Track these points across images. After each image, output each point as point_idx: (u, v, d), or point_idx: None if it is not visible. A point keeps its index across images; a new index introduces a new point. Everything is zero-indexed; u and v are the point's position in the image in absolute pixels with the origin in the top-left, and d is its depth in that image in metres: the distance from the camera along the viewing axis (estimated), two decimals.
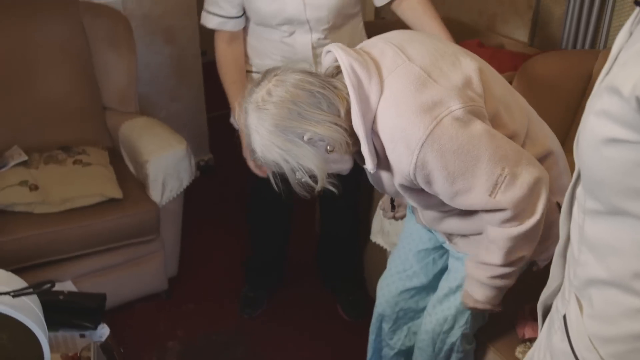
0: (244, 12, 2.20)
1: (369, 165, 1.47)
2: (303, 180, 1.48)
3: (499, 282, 1.58)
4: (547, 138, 1.62)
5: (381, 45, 1.50)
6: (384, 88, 1.42)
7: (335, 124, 1.41)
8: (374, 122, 1.43)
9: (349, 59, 1.42)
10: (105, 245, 2.50)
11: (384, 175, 1.54)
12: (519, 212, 1.44)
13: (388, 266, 1.97)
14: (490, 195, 1.42)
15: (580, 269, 1.07)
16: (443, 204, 1.56)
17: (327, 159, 1.46)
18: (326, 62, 1.52)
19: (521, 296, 1.84)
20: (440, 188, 1.45)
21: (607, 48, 2.57)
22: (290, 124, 1.39)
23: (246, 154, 2.28)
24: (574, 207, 1.11)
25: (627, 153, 0.88)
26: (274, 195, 2.26)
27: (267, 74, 1.46)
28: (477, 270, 1.59)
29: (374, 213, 2.65)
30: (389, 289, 1.95)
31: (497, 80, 1.56)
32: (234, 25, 2.21)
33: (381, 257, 2.45)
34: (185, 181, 2.63)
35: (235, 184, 2.62)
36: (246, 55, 2.29)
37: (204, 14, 2.24)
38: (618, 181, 0.92)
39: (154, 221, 2.56)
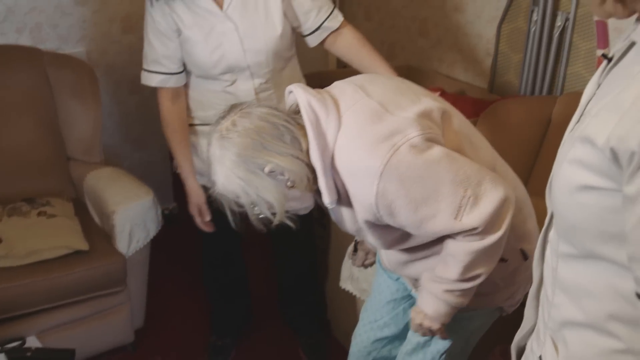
0: (185, 67, 2.23)
1: (326, 199, 1.46)
2: (261, 216, 1.48)
3: (453, 299, 1.53)
4: (511, 182, 1.62)
5: (342, 85, 1.53)
6: (342, 123, 1.43)
7: (297, 157, 1.42)
8: (333, 157, 1.44)
9: (307, 96, 1.44)
10: (72, 298, 2.45)
11: (346, 212, 1.54)
12: (485, 228, 1.42)
13: (361, 316, 1.97)
14: (455, 218, 1.41)
15: (554, 311, 1.09)
16: (404, 240, 1.55)
17: (288, 195, 1.46)
18: (289, 102, 1.55)
19: (492, 338, 1.86)
20: (404, 218, 1.44)
21: (564, 94, 2.65)
22: (253, 154, 1.40)
23: (193, 211, 2.35)
24: (547, 250, 1.13)
25: (602, 200, 0.91)
26: (224, 238, 2.33)
27: (233, 107, 1.48)
28: (432, 283, 1.54)
29: (332, 253, 2.66)
30: (361, 339, 1.94)
31: (462, 121, 1.58)
32: (177, 81, 2.24)
33: (350, 301, 2.45)
34: (152, 231, 2.61)
35: (200, 232, 2.64)
36: (188, 109, 2.31)
37: (144, 74, 2.25)
38: (592, 226, 0.95)
39: (121, 272, 2.52)
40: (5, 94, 2.76)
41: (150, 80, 2.24)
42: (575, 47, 2.62)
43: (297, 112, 1.49)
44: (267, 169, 1.41)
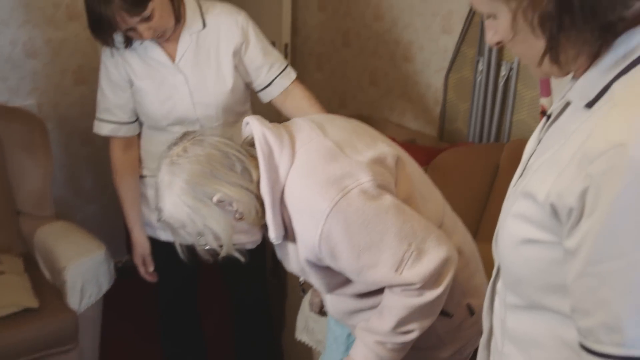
0: (137, 118, 2.24)
1: (272, 234, 1.45)
2: (207, 247, 1.46)
3: (384, 352, 1.50)
4: (460, 236, 1.62)
5: (300, 121, 1.53)
6: (295, 159, 1.43)
7: (247, 189, 1.41)
8: (283, 192, 1.43)
9: (262, 128, 1.44)
10: (21, 358, 2.37)
11: (291, 249, 1.52)
12: (424, 285, 1.42)
13: None
14: (396, 271, 1.40)
15: None
16: (346, 284, 1.55)
17: (235, 227, 1.45)
18: (245, 133, 1.54)
19: None
20: (346, 263, 1.42)
21: (511, 140, 2.72)
22: (202, 182, 1.39)
23: (137, 261, 2.38)
24: (495, 301, 1.16)
25: (544, 252, 0.94)
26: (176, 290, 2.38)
27: (186, 134, 1.47)
28: (365, 333, 1.53)
29: (287, 304, 2.65)
30: None
31: (415, 169, 1.59)
32: (128, 131, 2.25)
33: (307, 353, 2.44)
34: (105, 286, 2.57)
35: (154, 285, 2.60)
36: (140, 160, 2.32)
37: (96, 122, 2.26)
38: (537, 278, 0.98)
39: (72, 330, 2.47)
40: None
41: (101, 129, 2.25)
42: (519, 95, 2.70)
43: (251, 144, 1.48)
44: (215, 198, 1.40)
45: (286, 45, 3.47)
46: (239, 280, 2.53)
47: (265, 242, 2.44)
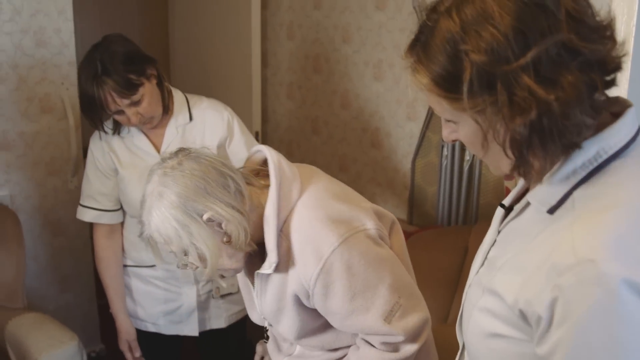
0: (122, 206, 2.28)
1: (272, 258, 1.42)
2: (189, 267, 1.44)
3: None
4: None
5: (308, 166, 1.59)
6: (304, 193, 1.45)
7: (239, 210, 1.39)
8: (286, 220, 1.43)
9: (278, 157, 1.47)
10: None
11: (274, 283, 1.49)
12: (406, 339, 1.44)
13: None
14: (385, 319, 1.41)
15: None
16: (318, 332, 1.54)
17: (221, 250, 1.42)
18: (251, 162, 1.56)
19: None
20: (338, 303, 1.42)
21: (479, 223, 2.80)
22: (194, 197, 1.36)
23: (123, 347, 2.36)
24: None
25: (511, 347, 0.98)
26: None
27: (181, 150, 1.46)
28: None
29: None
30: None
31: (403, 243, 1.64)
32: (111, 218, 2.28)
33: None
34: None
35: None
36: (122, 249, 2.34)
37: (79, 209, 2.30)
38: None
39: None
40: None
41: (84, 215, 2.28)
42: (484, 178, 2.79)
43: (255, 172, 1.51)
44: (205, 217, 1.37)
45: (257, 133, 3.56)
46: None
47: (245, 331, 2.45)
